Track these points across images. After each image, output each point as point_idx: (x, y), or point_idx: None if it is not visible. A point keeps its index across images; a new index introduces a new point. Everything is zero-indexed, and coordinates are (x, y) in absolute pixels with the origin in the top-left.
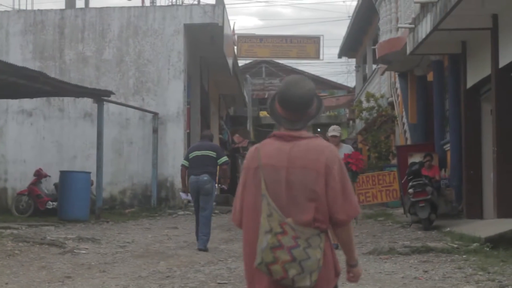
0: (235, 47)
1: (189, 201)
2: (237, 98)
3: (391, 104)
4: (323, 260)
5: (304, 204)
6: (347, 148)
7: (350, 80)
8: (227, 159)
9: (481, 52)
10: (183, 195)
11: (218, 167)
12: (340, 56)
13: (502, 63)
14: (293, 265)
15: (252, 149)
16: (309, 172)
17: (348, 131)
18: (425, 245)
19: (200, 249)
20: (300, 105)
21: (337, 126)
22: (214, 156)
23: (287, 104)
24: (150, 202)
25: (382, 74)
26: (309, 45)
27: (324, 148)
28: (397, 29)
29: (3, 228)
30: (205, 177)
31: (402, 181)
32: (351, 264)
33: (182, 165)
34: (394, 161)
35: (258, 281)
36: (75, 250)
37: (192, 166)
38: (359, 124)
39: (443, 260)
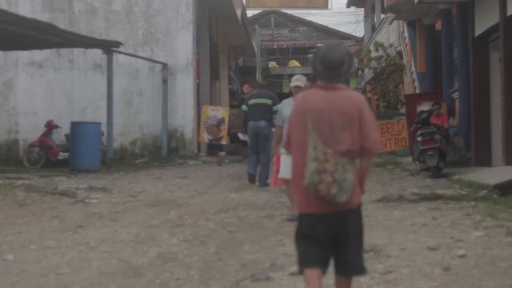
0: None
1: (246, 142)
2: (246, 48)
3: (399, 53)
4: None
5: (342, 138)
6: None
7: (358, 30)
8: None
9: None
10: (240, 136)
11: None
12: (348, 5)
13: (510, 10)
14: (334, 185)
15: (300, 96)
16: (346, 115)
17: (357, 81)
18: (434, 192)
19: (261, 186)
20: (335, 66)
21: (301, 75)
22: (270, 103)
23: (326, 65)
24: (160, 152)
25: (391, 23)
26: None
27: (356, 96)
28: None
29: (15, 179)
30: (262, 123)
31: (411, 130)
32: (362, 189)
33: (242, 110)
34: (402, 110)
35: (304, 193)
36: (86, 200)
37: (251, 112)
38: (368, 74)
39: (452, 207)
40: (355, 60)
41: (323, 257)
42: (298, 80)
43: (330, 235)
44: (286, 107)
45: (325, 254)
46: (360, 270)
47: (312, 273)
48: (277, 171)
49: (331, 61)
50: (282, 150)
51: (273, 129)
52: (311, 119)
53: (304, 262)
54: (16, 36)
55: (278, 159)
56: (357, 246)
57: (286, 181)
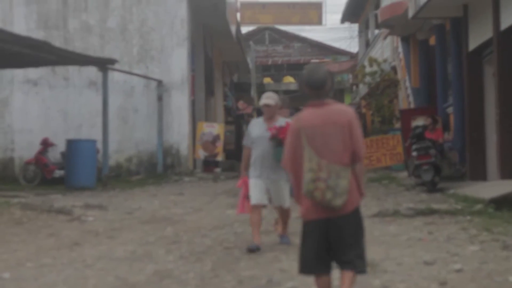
0: (238, 14)
1: None
2: (241, 65)
3: (394, 69)
4: (349, 186)
5: (334, 148)
6: (283, 122)
7: (352, 46)
8: None
9: (483, 15)
10: None
11: None
12: (342, 21)
13: (503, 25)
14: (328, 191)
15: (295, 117)
16: (338, 126)
17: (351, 96)
18: (429, 207)
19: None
20: (319, 85)
21: (272, 93)
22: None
23: (310, 85)
24: (156, 169)
25: (385, 38)
26: (311, 11)
27: (345, 109)
28: None
29: (11, 197)
30: None
31: (406, 145)
32: (361, 193)
33: None
34: (397, 125)
35: (305, 202)
36: (82, 217)
37: None
38: (363, 89)
39: (447, 222)
40: (350, 75)
41: (323, 260)
42: (268, 98)
43: (327, 238)
44: (254, 128)
45: (324, 256)
46: (358, 267)
47: (317, 278)
48: (245, 196)
49: (314, 81)
50: (251, 174)
51: None
52: (305, 135)
53: (304, 267)
54: (11, 54)
55: (245, 184)
56: (355, 246)
57: (252, 208)
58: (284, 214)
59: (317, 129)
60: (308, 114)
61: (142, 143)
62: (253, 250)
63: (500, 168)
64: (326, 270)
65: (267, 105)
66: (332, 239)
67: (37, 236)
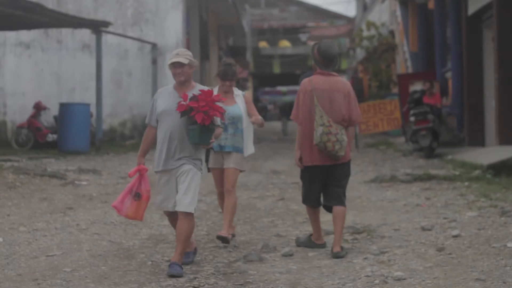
0: None
1: None
2: (236, 28)
3: (392, 33)
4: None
5: (337, 111)
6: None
7: (350, 9)
8: None
9: None
10: None
11: None
12: None
13: None
14: (337, 143)
15: (306, 80)
16: (340, 94)
17: (348, 61)
18: (427, 172)
19: None
20: (332, 59)
21: (184, 50)
22: None
23: (325, 57)
24: None
25: (383, 2)
26: None
27: (345, 81)
28: None
29: (3, 161)
30: None
31: (404, 110)
32: (350, 149)
33: None
34: (395, 90)
35: (310, 151)
36: (76, 182)
37: None
38: (360, 54)
39: (445, 188)
40: (347, 39)
41: (318, 198)
42: (178, 55)
43: (325, 180)
44: (162, 99)
45: (319, 195)
46: (343, 202)
47: (312, 209)
48: (130, 191)
49: (329, 55)
50: (156, 166)
51: None
52: (316, 96)
53: (307, 200)
54: (3, 16)
55: (140, 175)
56: (343, 188)
57: (169, 213)
58: (185, 225)
59: (325, 93)
60: (318, 79)
61: (136, 107)
62: (175, 274)
63: (498, 133)
64: (319, 204)
65: (177, 64)
66: (329, 181)
67: (30, 200)
